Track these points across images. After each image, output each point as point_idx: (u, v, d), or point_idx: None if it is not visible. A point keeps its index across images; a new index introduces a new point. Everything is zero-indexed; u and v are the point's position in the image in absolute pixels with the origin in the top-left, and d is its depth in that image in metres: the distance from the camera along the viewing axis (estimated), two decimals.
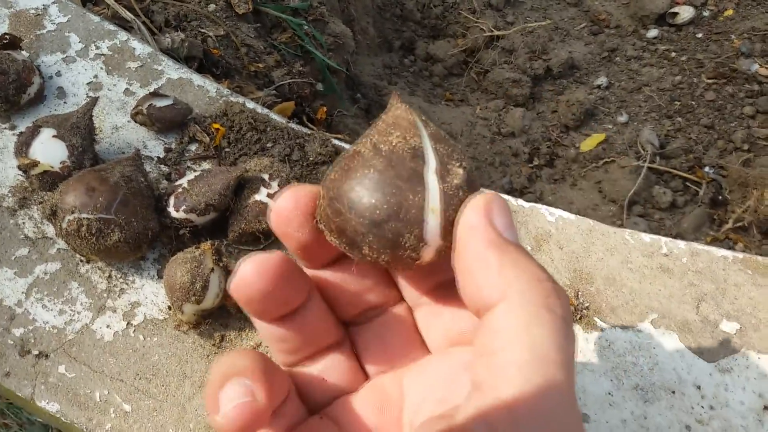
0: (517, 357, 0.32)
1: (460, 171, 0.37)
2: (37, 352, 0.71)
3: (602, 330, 0.76)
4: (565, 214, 0.84)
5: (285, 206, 0.40)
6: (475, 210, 0.36)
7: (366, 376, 0.45)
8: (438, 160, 0.37)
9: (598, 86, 1.98)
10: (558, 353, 0.32)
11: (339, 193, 0.36)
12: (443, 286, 0.42)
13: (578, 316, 0.77)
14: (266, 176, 0.77)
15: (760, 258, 0.82)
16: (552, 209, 0.84)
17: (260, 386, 0.35)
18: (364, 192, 0.35)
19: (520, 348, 0.32)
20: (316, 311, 0.43)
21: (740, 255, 0.83)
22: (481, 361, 0.34)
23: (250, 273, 0.37)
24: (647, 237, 0.83)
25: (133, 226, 0.70)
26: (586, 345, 0.75)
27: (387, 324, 0.45)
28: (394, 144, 0.37)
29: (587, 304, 0.77)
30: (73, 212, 0.68)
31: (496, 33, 2.07)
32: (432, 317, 0.44)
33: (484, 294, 0.35)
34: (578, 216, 0.84)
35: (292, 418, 0.41)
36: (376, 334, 0.45)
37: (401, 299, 0.45)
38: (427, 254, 0.37)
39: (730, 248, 1.56)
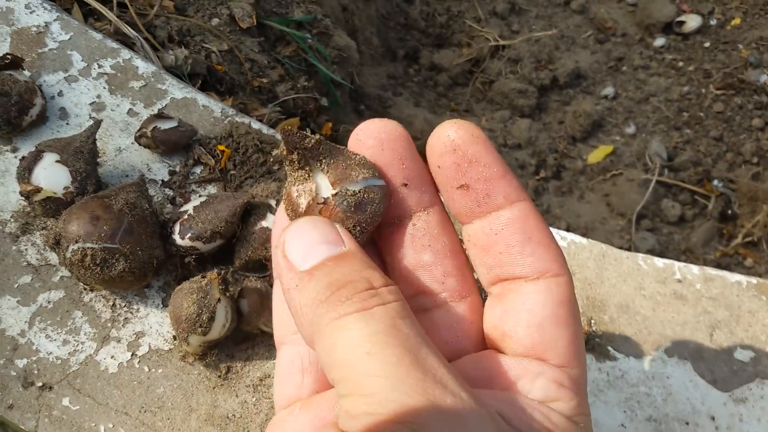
0: (339, 379, 0.33)
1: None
2: (41, 384, 0.70)
3: (615, 359, 0.75)
4: (578, 239, 0.82)
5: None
6: (274, 251, 0.38)
7: None
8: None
9: (605, 96, 1.97)
10: (362, 345, 0.33)
11: None
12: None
13: (591, 346, 0.75)
14: (273, 202, 0.75)
15: None
16: (564, 233, 0.83)
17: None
18: None
19: (338, 372, 0.34)
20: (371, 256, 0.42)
21: (754, 280, 0.81)
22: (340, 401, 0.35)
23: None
24: (660, 262, 0.81)
25: (138, 256, 0.69)
26: (599, 375, 0.74)
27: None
28: None
29: (600, 333, 0.76)
30: (77, 242, 0.67)
31: (502, 42, 2.06)
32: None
33: (305, 341, 0.37)
34: (590, 240, 0.82)
35: None
36: (431, 326, 0.43)
37: None
38: None
39: (739, 263, 1.55)
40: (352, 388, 0.32)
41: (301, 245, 0.37)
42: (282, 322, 0.42)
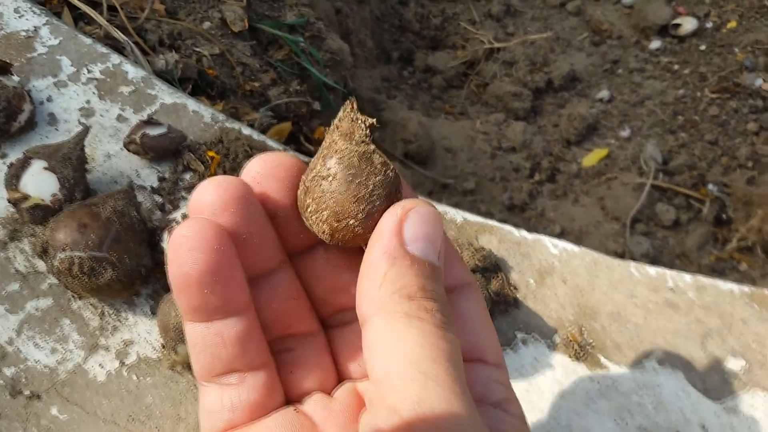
0: (393, 367, 0.34)
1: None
2: (28, 393, 0.69)
3: (607, 368, 0.75)
4: (569, 246, 0.82)
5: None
6: (390, 215, 0.37)
7: (339, 377, 0.44)
8: None
9: (600, 99, 1.96)
10: (432, 350, 0.34)
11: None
12: None
13: (582, 354, 0.75)
14: None
15: (767, 291, 0.81)
16: (555, 240, 0.82)
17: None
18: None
19: (394, 359, 0.34)
20: (288, 285, 0.42)
21: (747, 289, 0.81)
22: (370, 378, 0.36)
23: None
24: (653, 270, 0.81)
25: (126, 264, 0.68)
26: (590, 384, 0.74)
27: None
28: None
29: (591, 341, 0.75)
30: (64, 250, 0.66)
31: (497, 45, 2.05)
32: None
33: (363, 307, 0.37)
34: (582, 248, 0.82)
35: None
36: (355, 338, 0.44)
37: None
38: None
39: (733, 268, 1.55)
40: (404, 385, 0.33)
41: (418, 229, 0.37)
42: (205, 362, 0.40)
